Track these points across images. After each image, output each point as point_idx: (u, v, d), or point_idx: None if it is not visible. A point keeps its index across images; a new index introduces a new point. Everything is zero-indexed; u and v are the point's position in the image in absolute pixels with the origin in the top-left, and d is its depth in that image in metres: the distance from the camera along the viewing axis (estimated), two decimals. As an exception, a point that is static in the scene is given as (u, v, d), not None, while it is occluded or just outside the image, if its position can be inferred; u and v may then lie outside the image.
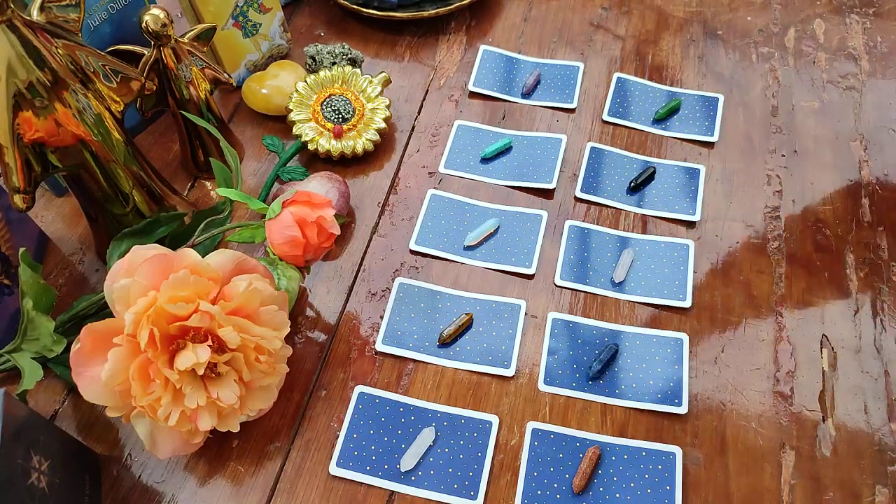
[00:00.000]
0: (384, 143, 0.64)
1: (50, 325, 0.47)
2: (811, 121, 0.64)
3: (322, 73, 0.63)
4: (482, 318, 0.53)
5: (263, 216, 0.49)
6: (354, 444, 0.47)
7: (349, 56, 0.66)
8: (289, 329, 0.44)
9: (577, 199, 0.60)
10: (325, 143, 0.61)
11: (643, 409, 0.48)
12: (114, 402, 0.41)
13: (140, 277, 0.40)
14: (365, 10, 0.71)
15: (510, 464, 0.46)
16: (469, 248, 0.57)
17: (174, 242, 0.53)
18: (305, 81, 0.62)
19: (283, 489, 0.46)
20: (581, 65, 0.69)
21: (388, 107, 0.63)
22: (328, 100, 0.62)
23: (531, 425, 0.48)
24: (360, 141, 0.61)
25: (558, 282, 0.55)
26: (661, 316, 0.53)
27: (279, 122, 0.65)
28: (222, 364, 0.41)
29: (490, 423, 0.48)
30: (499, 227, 0.58)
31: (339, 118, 0.62)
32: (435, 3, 0.72)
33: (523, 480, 0.45)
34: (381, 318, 0.53)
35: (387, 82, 0.65)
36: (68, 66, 0.43)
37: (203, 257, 0.43)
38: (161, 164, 0.63)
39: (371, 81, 0.63)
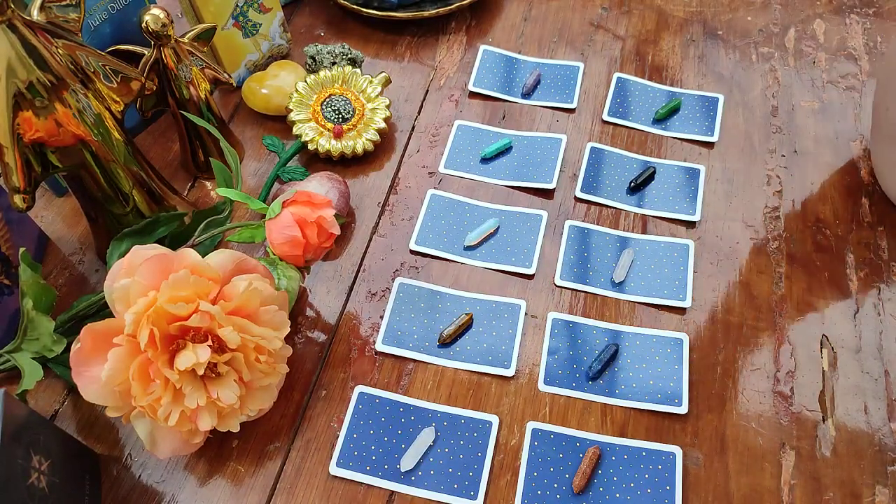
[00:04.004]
0: (384, 143, 0.64)
1: (50, 325, 0.47)
2: (811, 121, 0.64)
3: (322, 73, 0.63)
4: (482, 318, 0.53)
5: (263, 216, 0.49)
6: (354, 444, 0.47)
7: (349, 56, 0.66)
8: (289, 329, 0.44)
9: (577, 199, 0.60)
10: (325, 143, 0.61)
11: (643, 409, 0.48)
12: (114, 402, 0.41)
13: (140, 277, 0.40)
14: (365, 10, 0.71)
15: (510, 464, 0.46)
16: (469, 248, 0.57)
17: (174, 242, 0.53)
18: (305, 81, 0.62)
19: (283, 489, 0.46)
20: (581, 65, 0.69)
21: (388, 107, 0.63)
22: (328, 100, 0.62)
23: (531, 425, 0.48)
24: (360, 141, 0.61)
25: (558, 282, 0.55)
26: (661, 316, 0.53)
27: (279, 122, 0.65)
28: (222, 364, 0.41)
29: (490, 423, 0.48)
30: (499, 227, 0.58)
31: (339, 118, 0.62)
32: (435, 3, 0.72)
33: (523, 480, 0.46)
34: (381, 318, 0.53)
35: (387, 82, 0.65)
36: (68, 66, 0.43)
37: (203, 257, 0.43)
38: (161, 164, 0.63)
39: (371, 81, 0.63)
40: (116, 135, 0.48)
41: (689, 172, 0.61)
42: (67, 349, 0.48)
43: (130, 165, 0.50)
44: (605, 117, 0.65)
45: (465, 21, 0.74)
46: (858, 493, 0.45)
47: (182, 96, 0.56)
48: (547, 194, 0.60)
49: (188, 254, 0.42)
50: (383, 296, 0.54)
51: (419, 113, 0.66)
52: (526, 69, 0.69)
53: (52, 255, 0.58)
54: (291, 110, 0.62)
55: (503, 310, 0.53)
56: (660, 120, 0.64)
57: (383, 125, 0.62)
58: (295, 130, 0.61)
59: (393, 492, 0.45)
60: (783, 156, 0.62)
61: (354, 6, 0.71)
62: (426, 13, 0.70)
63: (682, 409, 0.48)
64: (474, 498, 0.45)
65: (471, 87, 0.67)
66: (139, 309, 0.39)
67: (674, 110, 0.65)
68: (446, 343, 0.51)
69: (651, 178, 0.60)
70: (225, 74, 0.59)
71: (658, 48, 0.70)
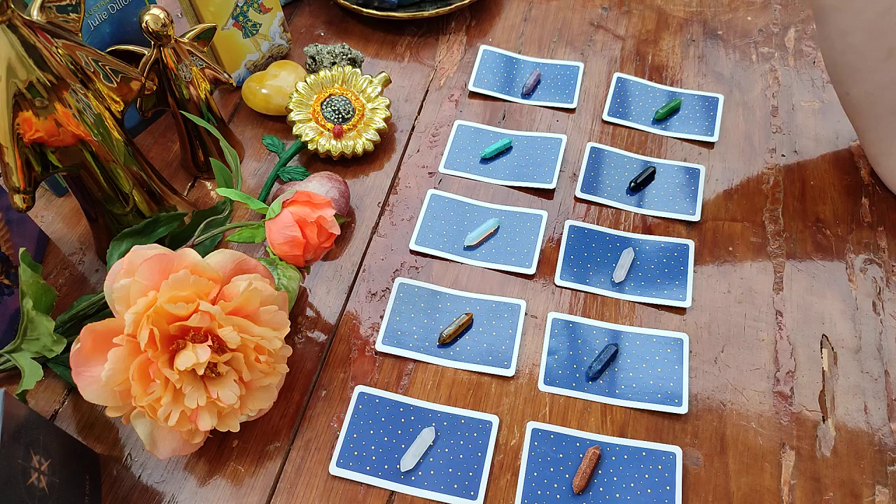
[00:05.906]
0: (384, 143, 0.64)
1: (50, 325, 0.47)
2: (811, 121, 0.64)
3: (322, 73, 0.63)
4: (482, 318, 0.53)
5: (263, 216, 0.49)
6: (354, 444, 0.47)
7: (349, 56, 0.66)
8: (289, 329, 0.44)
9: (577, 199, 0.60)
10: (325, 143, 0.61)
11: (643, 409, 0.48)
12: (114, 402, 0.41)
13: (140, 277, 0.40)
14: (365, 10, 0.71)
15: (510, 464, 0.46)
16: (469, 248, 0.57)
17: (174, 242, 0.53)
18: (305, 81, 0.62)
19: (283, 489, 0.46)
20: (581, 65, 0.69)
21: (388, 107, 0.63)
22: (328, 100, 0.62)
23: (531, 425, 0.48)
24: (360, 141, 0.61)
25: (558, 282, 0.55)
26: (661, 316, 0.53)
27: (279, 122, 0.65)
28: (222, 364, 0.41)
29: (490, 423, 0.48)
30: (499, 227, 0.58)
31: (339, 118, 0.62)
32: (435, 3, 0.72)
33: (523, 480, 0.46)
34: (381, 318, 0.53)
35: (387, 82, 0.65)
36: (68, 66, 0.43)
37: (203, 257, 0.43)
38: (161, 164, 0.63)
39: (371, 81, 0.63)
40: (116, 135, 0.48)
41: (689, 172, 0.61)
42: (67, 349, 0.48)
43: (130, 165, 0.50)
44: (605, 117, 0.65)
45: (465, 21, 0.74)
46: (858, 493, 0.45)
47: (182, 96, 0.56)
48: (547, 194, 0.60)
49: (188, 254, 0.42)
50: (383, 296, 0.54)
51: (419, 113, 0.66)
52: (526, 69, 0.69)
53: (52, 255, 0.58)
54: (291, 110, 0.62)
55: (503, 310, 0.53)
56: (660, 120, 0.64)
57: (383, 125, 0.62)
58: (295, 130, 0.61)
59: (393, 492, 0.45)
60: (783, 156, 0.62)
61: (354, 6, 0.71)
62: (426, 13, 0.70)
63: (682, 409, 0.48)
64: (474, 498, 0.45)
65: (471, 87, 0.67)
66: (139, 309, 0.39)
67: (674, 110, 0.65)
68: (446, 343, 0.51)
69: (651, 178, 0.60)
70: (225, 74, 0.59)
71: (658, 48, 0.70)
